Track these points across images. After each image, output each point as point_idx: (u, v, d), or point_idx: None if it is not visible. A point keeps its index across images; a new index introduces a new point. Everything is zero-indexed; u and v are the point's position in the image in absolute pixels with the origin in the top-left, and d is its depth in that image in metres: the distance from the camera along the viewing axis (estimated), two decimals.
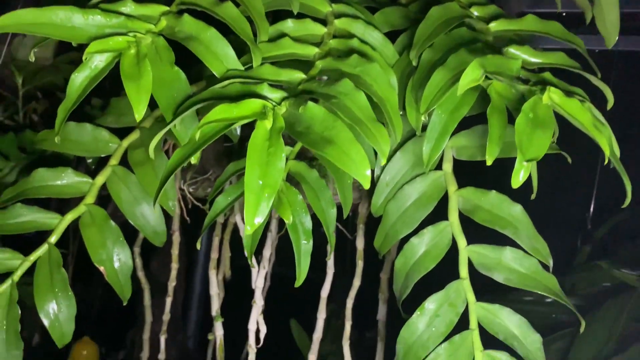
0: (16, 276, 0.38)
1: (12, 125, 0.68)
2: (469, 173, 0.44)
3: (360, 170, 0.27)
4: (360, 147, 0.27)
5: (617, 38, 0.47)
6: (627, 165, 0.35)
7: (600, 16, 0.47)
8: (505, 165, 0.35)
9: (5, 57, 0.76)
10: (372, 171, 0.44)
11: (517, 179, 0.30)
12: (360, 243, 0.59)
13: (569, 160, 0.39)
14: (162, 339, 0.61)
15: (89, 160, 0.53)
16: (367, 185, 0.26)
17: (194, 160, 0.33)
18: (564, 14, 0.60)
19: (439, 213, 0.42)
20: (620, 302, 0.74)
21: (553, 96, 0.31)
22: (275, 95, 0.32)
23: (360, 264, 0.59)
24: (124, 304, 0.42)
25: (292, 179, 0.42)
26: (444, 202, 0.42)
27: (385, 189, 0.44)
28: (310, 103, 0.29)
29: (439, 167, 0.43)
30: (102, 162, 0.47)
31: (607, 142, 0.31)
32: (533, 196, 0.40)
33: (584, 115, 0.31)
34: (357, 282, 0.59)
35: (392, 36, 0.44)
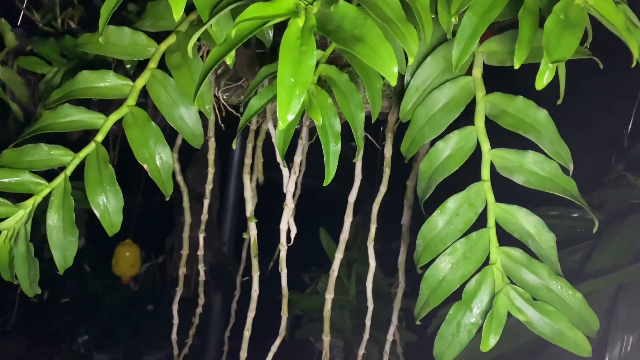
0: (68, 171, 0.42)
1: (51, 32, 0.69)
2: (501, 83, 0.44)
3: (388, 67, 0.28)
4: (389, 45, 0.28)
5: None
6: None
7: None
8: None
9: None
10: (402, 76, 0.45)
11: (542, 80, 0.31)
12: (388, 151, 0.60)
13: (600, 65, 0.39)
14: (201, 237, 0.65)
15: (128, 66, 0.55)
16: (393, 82, 0.28)
17: (229, 60, 0.35)
18: None
19: (465, 119, 0.43)
20: None
21: None
22: None
23: (387, 172, 0.61)
24: (167, 199, 0.45)
25: (323, 84, 0.43)
26: (470, 108, 0.43)
27: (415, 94, 0.45)
28: (341, 1, 0.30)
29: (469, 73, 0.43)
30: (140, 66, 0.49)
31: (638, 46, 0.31)
32: (560, 101, 0.40)
33: (616, 17, 0.31)
34: (383, 189, 0.61)
35: None
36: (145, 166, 0.44)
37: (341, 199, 0.62)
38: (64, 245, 0.41)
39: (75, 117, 0.43)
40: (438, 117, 0.43)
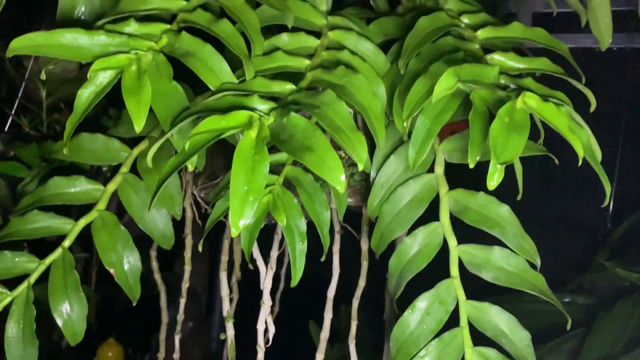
0: (32, 278, 0.41)
1: (37, 136, 0.72)
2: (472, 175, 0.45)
3: (336, 176, 0.29)
4: (336, 154, 0.29)
5: (610, 39, 0.48)
6: None
7: (594, 19, 0.48)
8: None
9: (32, 69, 0.81)
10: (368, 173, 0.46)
11: (492, 181, 0.31)
12: (364, 244, 0.60)
13: (556, 161, 0.40)
14: (177, 338, 0.63)
15: (104, 168, 0.56)
16: (342, 190, 0.28)
17: (190, 167, 0.36)
18: None
19: (431, 214, 0.44)
20: (632, 303, 0.73)
21: (529, 101, 0.33)
22: (264, 106, 0.34)
23: (365, 265, 0.60)
24: (134, 304, 0.44)
25: (290, 184, 0.44)
26: (435, 203, 0.43)
27: (380, 191, 0.45)
28: (292, 113, 0.31)
29: (431, 169, 0.44)
30: (116, 170, 0.50)
31: (582, 146, 0.32)
32: (519, 197, 0.41)
33: (559, 119, 0.33)
34: (362, 282, 0.61)
35: (390, 44, 0.46)
36: (112, 270, 0.44)
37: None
38: (23, 357, 0.40)
39: (44, 223, 0.44)
40: (404, 214, 0.44)
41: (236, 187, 0.29)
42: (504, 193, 0.41)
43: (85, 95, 0.36)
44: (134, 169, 0.48)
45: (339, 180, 0.29)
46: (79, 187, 0.45)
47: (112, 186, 0.46)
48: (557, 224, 1.22)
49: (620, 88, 1.14)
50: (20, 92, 0.80)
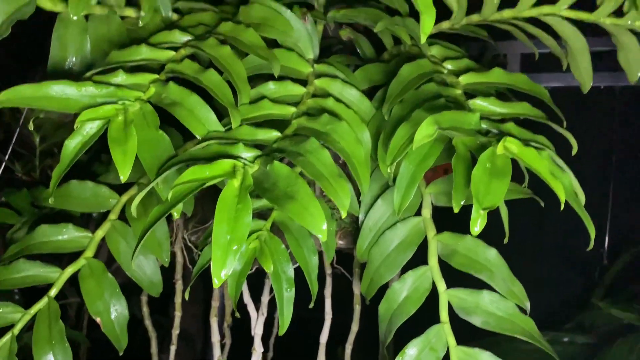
0: (16, 329, 0.41)
1: (29, 182, 0.72)
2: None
3: (318, 224, 0.29)
4: (318, 202, 0.29)
5: (591, 83, 0.49)
6: None
7: (574, 63, 0.49)
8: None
9: (26, 114, 0.82)
10: (357, 218, 0.46)
11: (475, 226, 0.31)
12: (356, 288, 0.60)
13: (542, 204, 0.40)
14: None
15: (95, 215, 0.56)
16: (324, 238, 0.28)
17: (176, 215, 0.36)
18: None
19: (421, 257, 0.44)
20: (630, 342, 0.72)
21: (510, 146, 0.33)
22: (249, 154, 0.34)
23: (357, 309, 0.60)
24: (120, 354, 0.44)
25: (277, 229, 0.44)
26: (424, 246, 0.43)
27: (369, 234, 0.45)
28: (276, 162, 0.32)
29: (419, 212, 0.45)
30: (105, 217, 0.50)
31: (564, 190, 0.32)
32: (506, 240, 0.41)
33: (540, 164, 0.33)
34: (355, 327, 0.60)
35: (376, 90, 0.47)
36: (98, 320, 0.43)
37: (335, 326, 0.60)
38: None
39: (30, 272, 0.43)
40: (393, 257, 0.44)
41: (218, 236, 0.29)
42: (498, 232, 0.41)
43: (72, 145, 0.36)
44: (123, 216, 0.48)
45: (321, 228, 0.29)
46: (66, 235, 0.45)
47: (100, 233, 0.46)
48: (554, 260, 1.22)
49: (610, 125, 1.15)
50: (15, 137, 0.80)
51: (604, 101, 1.15)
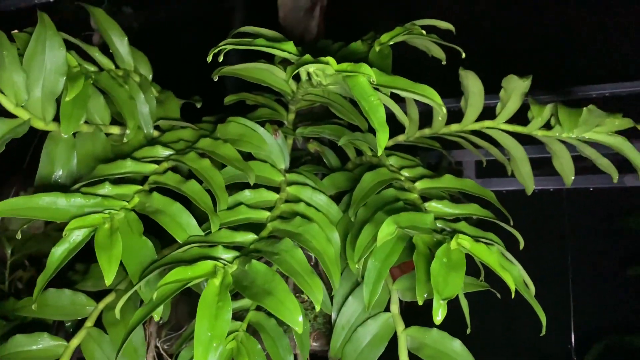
0: None
1: None
2: None
3: (294, 317, 0.31)
4: (294, 297, 0.32)
5: (533, 187, 0.54)
6: None
7: (517, 169, 0.55)
8: None
9: None
10: (329, 316, 0.48)
11: (437, 316, 0.34)
12: None
13: (498, 296, 0.44)
14: None
15: (68, 324, 0.56)
16: (300, 330, 0.31)
17: (156, 317, 0.37)
18: None
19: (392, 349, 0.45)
20: None
21: (462, 242, 0.37)
22: (228, 255, 0.37)
23: None
24: None
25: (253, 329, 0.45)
26: (394, 339, 0.45)
27: (342, 332, 0.47)
28: (254, 261, 0.34)
29: (388, 308, 0.47)
30: (80, 324, 0.51)
31: (513, 280, 0.36)
32: (468, 331, 0.43)
33: (490, 257, 0.37)
34: None
35: (342, 195, 0.51)
36: None
37: None
38: None
39: None
40: (366, 353, 0.45)
41: (200, 333, 0.31)
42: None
43: (59, 252, 0.38)
44: (98, 323, 0.48)
45: (297, 321, 0.31)
46: (41, 344, 0.45)
47: (75, 341, 0.46)
48: (523, 358, 1.22)
49: (561, 226, 1.23)
50: None
51: (554, 203, 1.23)
